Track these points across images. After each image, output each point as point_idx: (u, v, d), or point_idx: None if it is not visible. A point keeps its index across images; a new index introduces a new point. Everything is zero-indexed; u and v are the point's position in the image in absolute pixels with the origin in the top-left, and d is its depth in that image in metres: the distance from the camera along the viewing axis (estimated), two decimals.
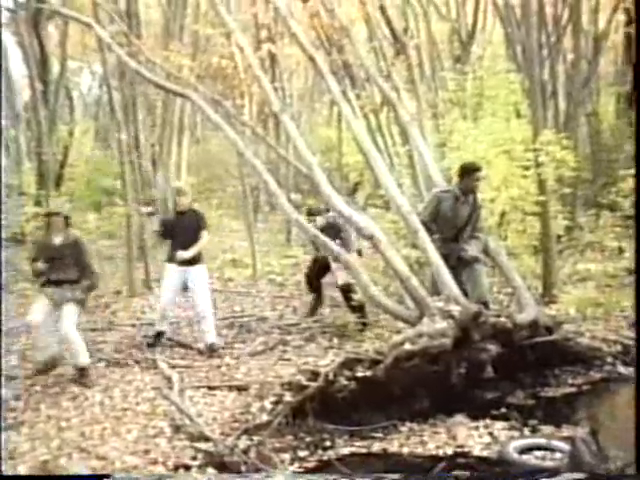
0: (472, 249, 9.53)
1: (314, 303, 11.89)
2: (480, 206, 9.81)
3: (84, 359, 9.56)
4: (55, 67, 21.00)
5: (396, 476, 6.22)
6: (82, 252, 9.85)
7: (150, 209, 11.17)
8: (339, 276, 10.85)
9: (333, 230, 10.79)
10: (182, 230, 10.69)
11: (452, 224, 9.58)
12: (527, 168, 11.82)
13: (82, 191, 23.65)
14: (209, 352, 10.44)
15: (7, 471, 6.78)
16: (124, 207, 16.38)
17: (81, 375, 9.51)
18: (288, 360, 9.89)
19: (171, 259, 10.74)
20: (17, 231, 17.48)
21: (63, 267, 9.66)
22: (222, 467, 6.69)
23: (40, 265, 9.61)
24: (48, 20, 19.98)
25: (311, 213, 11.36)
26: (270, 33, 14.81)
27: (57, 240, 9.74)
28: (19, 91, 23.09)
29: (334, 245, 9.76)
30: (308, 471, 6.62)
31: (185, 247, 10.57)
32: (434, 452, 6.75)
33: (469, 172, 9.65)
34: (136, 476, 5.82)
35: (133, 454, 7.08)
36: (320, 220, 11.10)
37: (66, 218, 9.91)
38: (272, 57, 19.37)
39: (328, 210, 10.88)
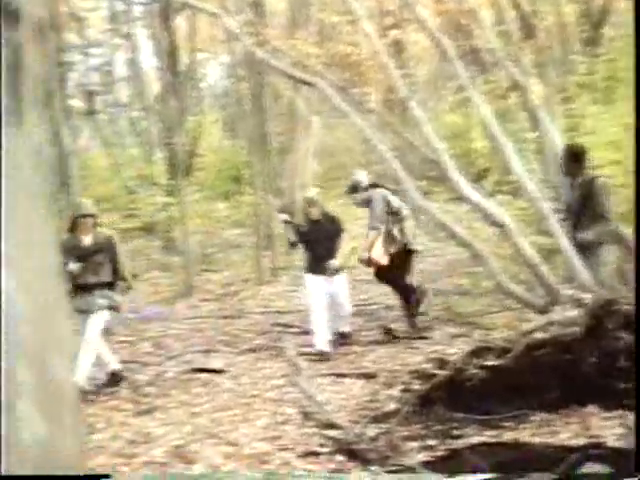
0: (590, 234, 9.31)
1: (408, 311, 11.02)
2: (600, 191, 9.53)
3: (113, 365, 9.33)
4: (184, 59, 21.39)
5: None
6: (116, 251, 9.25)
7: (286, 217, 11.15)
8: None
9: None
10: (319, 239, 10.46)
11: (567, 208, 9.42)
12: None
13: (211, 180, 24.07)
14: (342, 340, 10.47)
15: (142, 455, 6.93)
16: (252, 196, 16.60)
17: (113, 381, 9.26)
18: (416, 348, 9.84)
19: (313, 270, 10.53)
20: (148, 221, 17.91)
21: (96, 269, 9.09)
22: (350, 455, 6.68)
23: (72, 266, 8.89)
24: (177, 12, 20.34)
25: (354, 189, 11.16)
26: (396, 19, 14.64)
27: (87, 241, 9.16)
28: (150, 83, 23.58)
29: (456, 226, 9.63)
30: (437, 460, 6.56)
31: (325, 256, 10.40)
32: (566, 442, 6.60)
33: (570, 155, 9.49)
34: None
35: (263, 440, 7.15)
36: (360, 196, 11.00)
37: (94, 217, 9.30)
38: (398, 44, 19.28)
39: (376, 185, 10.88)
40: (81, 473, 3.53)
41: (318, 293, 10.37)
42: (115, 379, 9.25)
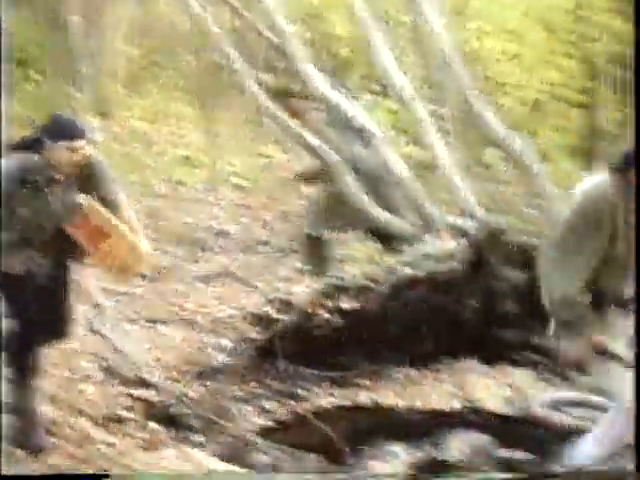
0: None
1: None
2: None
3: None
4: None
5: None
6: None
7: None
8: None
9: None
10: None
11: None
12: (572, 43, 11.71)
13: None
14: None
15: None
16: (43, 85, 16.26)
17: None
18: (254, 287, 9.90)
19: None
20: None
21: None
22: (167, 421, 6.72)
23: None
24: None
25: None
26: None
27: None
28: None
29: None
30: (278, 426, 6.67)
31: None
32: (437, 406, 6.79)
33: None
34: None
35: (52, 404, 7.00)
36: None
37: None
38: None
39: None
40: None
41: None
42: None
